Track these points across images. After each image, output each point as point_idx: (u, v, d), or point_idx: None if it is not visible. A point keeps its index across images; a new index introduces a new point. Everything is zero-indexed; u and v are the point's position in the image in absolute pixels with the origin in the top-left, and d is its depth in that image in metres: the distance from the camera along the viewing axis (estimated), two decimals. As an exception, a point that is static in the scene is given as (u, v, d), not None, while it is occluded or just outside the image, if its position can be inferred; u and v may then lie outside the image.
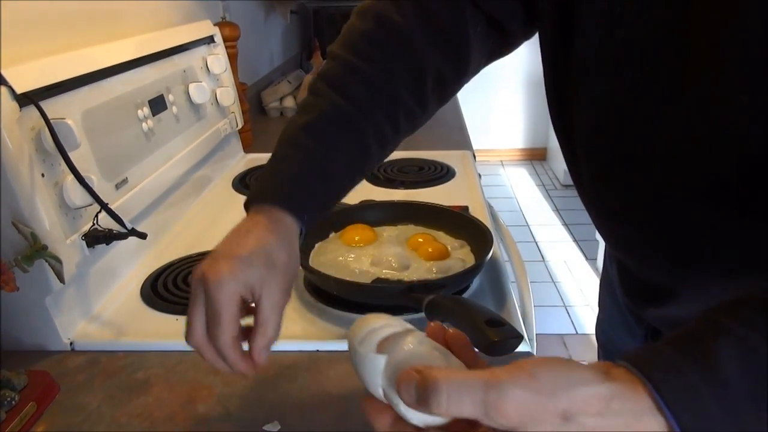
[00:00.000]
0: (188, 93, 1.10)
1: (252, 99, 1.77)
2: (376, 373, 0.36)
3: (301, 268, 0.60)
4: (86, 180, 0.70)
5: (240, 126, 1.35)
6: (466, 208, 1.02)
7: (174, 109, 1.03)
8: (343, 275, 0.78)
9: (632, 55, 0.47)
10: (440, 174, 1.22)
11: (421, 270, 0.80)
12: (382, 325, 0.39)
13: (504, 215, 3.52)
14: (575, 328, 2.42)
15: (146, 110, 0.93)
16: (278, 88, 1.78)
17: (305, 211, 0.55)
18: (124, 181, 0.84)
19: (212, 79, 1.23)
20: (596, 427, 0.31)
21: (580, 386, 0.31)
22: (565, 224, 3.35)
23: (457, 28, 0.59)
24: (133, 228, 0.70)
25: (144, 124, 0.92)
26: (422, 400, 0.32)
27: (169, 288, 0.80)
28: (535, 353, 0.66)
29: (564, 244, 3.12)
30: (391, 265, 0.81)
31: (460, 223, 0.89)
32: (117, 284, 0.81)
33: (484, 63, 0.65)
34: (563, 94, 0.55)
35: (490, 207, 1.13)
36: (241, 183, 1.21)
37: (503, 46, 0.64)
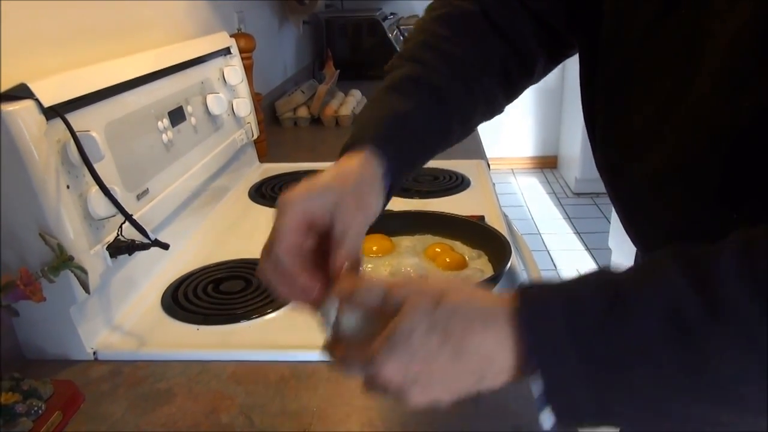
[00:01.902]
0: (206, 104, 1.11)
1: (266, 109, 1.79)
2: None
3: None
4: (110, 191, 0.71)
5: (256, 136, 1.36)
6: (482, 218, 1.02)
7: (192, 120, 1.04)
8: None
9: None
10: (455, 183, 1.22)
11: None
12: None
13: (515, 223, 3.52)
14: (588, 338, 2.40)
15: (166, 122, 0.95)
16: (292, 98, 1.79)
17: (388, 155, 0.55)
18: (146, 191, 0.85)
19: (229, 90, 1.24)
20: (460, 305, 0.39)
21: (457, 286, 0.41)
22: (577, 232, 3.34)
23: (511, 22, 0.62)
24: (156, 239, 0.71)
25: (164, 136, 0.93)
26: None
27: (190, 297, 0.81)
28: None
29: (576, 253, 3.11)
30: (409, 275, 0.81)
31: (477, 233, 0.89)
32: (138, 294, 0.82)
33: (550, 64, 0.67)
34: (615, 98, 0.54)
35: (505, 216, 1.13)
36: (258, 193, 1.22)
37: (560, 46, 0.65)
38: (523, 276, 0.86)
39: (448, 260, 0.84)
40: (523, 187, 4.06)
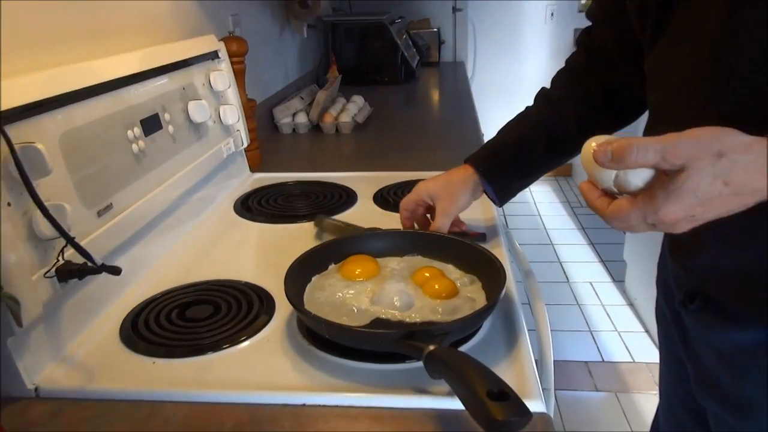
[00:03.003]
0: (187, 111, 1.04)
1: (263, 115, 1.72)
2: (610, 171, 0.52)
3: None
4: (58, 209, 0.64)
5: (245, 145, 1.29)
6: (483, 236, 0.94)
7: (170, 128, 0.97)
8: (340, 315, 0.71)
9: None
10: (454, 198, 1.14)
11: (425, 310, 0.72)
12: (611, 138, 0.53)
13: (526, 234, 3.44)
14: (601, 355, 2.30)
15: (137, 130, 0.88)
16: (290, 104, 1.73)
17: (481, 165, 0.91)
18: (108, 207, 0.79)
19: (215, 96, 1.17)
20: (742, 162, 0.46)
21: (729, 135, 0.48)
22: (591, 243, 3.23)
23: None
24: (103, 264, 0.64)
25: (134, 146, 0.86)
26: (618, 156, 0.49)
27: (151, 326, 0.73)
28: (552, 415, 0.58)
29: (590, 265, 3.00)
30: (393, 304, 0.73)
31: (472, 256, 0.81)
32: (96, 321, 0.75)
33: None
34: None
35: (508, 234, 1.05)
36: (243, 206, 1.15)
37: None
38: (517, 306, 0.78)
39: (437, 287, 0.76)
40: (535, 195, 3.96)
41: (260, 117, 1.69)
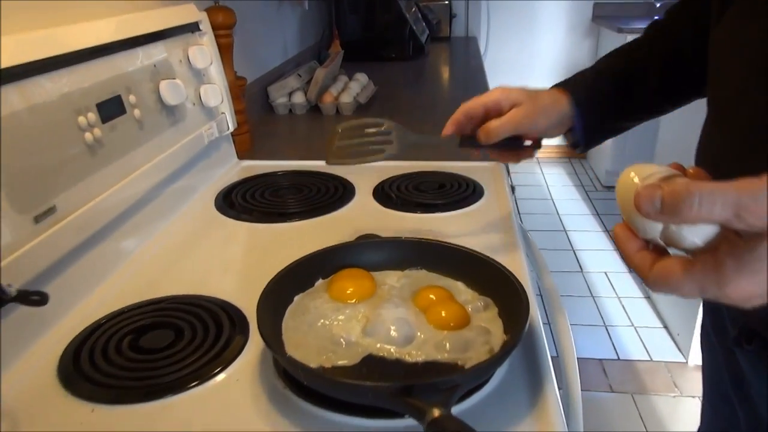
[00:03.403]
0: (159, 92, 0.90)
1: (257, 95, 1.58)
2: None
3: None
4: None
5: (232, 129, 1.15)
6: (538, 143, 0.81)
7: (136, 112, 0.84)
8: (324, 350, 0.58)
9: None
10: (465, 193, 1.00)
11: (429, 345, 0.59)
12: (663, 171, 0.41)
13: (539, 219, 3.29)
14: (617, 352, 2.17)
15: (92, 116, 0.74)
16: (286, 82, 1.58)
17: (577, 94, 0.75)
18: (50, 210, 0.65)
19: (195, 74, 1.03)
20: None
21: None
22: (606, 230, 3.09)
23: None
24: (21, 292, 0.51)
25: (87, 135, 0.73)
26: (671, 207, 0.35)
27: (97, 360, 0.60)
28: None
29: (604, 254, 2.86)
30: (390, 336, 0.60)
31: (486, 273, 0.67)
32: (31, 350, 0.62)
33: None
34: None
35: (525, 238, 0.91)
36: (226, 201, 1.01)
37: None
38: (540, 335, 0.64)
39: (443, 314, 0.62)
40: (548, 178, 3.80)
41: (253, 97, 1.54)
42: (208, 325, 0.65)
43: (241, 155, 1.24)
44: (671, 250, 0.41)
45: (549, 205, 3.42)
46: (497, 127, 0.72)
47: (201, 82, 1.04)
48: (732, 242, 0.36)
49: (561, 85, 0.77)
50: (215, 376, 0.58)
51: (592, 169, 3.87)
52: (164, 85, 0.90)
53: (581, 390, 0.72)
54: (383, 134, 0.75)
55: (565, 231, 3.11)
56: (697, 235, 0.38)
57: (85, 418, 0.53)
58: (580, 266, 2.77)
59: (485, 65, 2.36)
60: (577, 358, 0.73)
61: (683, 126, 2.36)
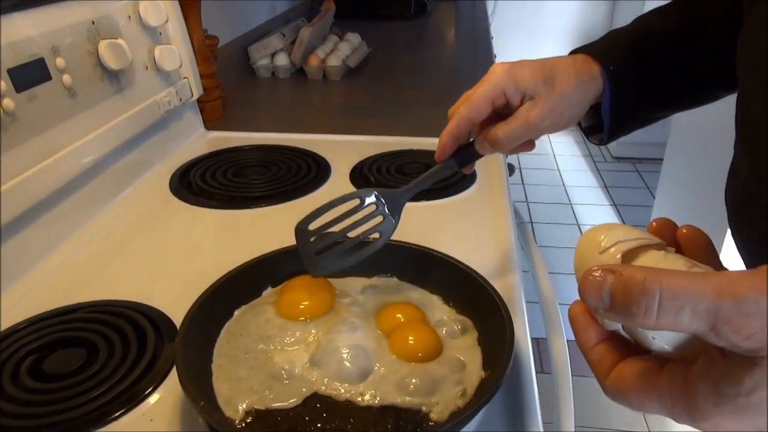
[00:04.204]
0: (99, 54, 0.77)
1: (236, 55, 1.44)
2: None
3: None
4: None
5: (196, 96, 1.02)
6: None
7: (65, 78, 0.71)
8: (259, 384, 0.47)
9: None
10: (454, 179, 0.87)
11: (388, 382, 0.48)
12: (627, 236, 0.32)
13: (544, 191, 3.15)
14: (618, 336, 2.07)
15: (2, 84, 0.62)
16: (269, 41, 1.44)
17: (611, 63, 0.55)
18: (-64, 201, 0.54)
19: (149, 33, 0.90)
20: None
21: None
22: (614, 204, 2.95)
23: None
24: None
25: (-7, 107, 0.61)
26: (621, 307, 0.26)
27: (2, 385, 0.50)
28: None
29: (611, 230, 2.73)
30: (342, 367, 0.48)
31: (469, 289, 0.55)
32: None
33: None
34: None
35: (523, 233, 0.79)
36: (182, 181, 0.89)
37: None
38: (529, 370, 0.53)
39: (411, 341, 0.51)
40: (555, 146, 3.65)
41: (232, 58, 1.41)
42: (129, 343, 0.54)
43: (211, 125, 1.11)
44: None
45: (555, 176, 3.28)
46: (510, 134, 0.53)
47: (156, 42, 0.91)
48: (710, 360, 0.25)
49: (589, 52, 0.56)
50: (125, 413, 0.47)
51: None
52: (104, 46, 0.77)
53: (579, 376, 0.61)
54: (362, 210, 0.54)
55: (571, 204, 2.98)
56: (664, 339, 0.28)
57: (-51, 473, 0.43)
58: (585, 242, 2.65)
59: (492, 28, 2.19)
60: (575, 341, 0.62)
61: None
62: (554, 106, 0.53)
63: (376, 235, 0.55)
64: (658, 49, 0.57)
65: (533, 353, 0.55)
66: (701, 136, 2.19)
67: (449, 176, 0.75)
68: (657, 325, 0.25)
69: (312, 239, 0.54)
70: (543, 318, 0.69)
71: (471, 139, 0.57)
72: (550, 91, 0.53)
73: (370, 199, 0.54)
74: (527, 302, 0.61)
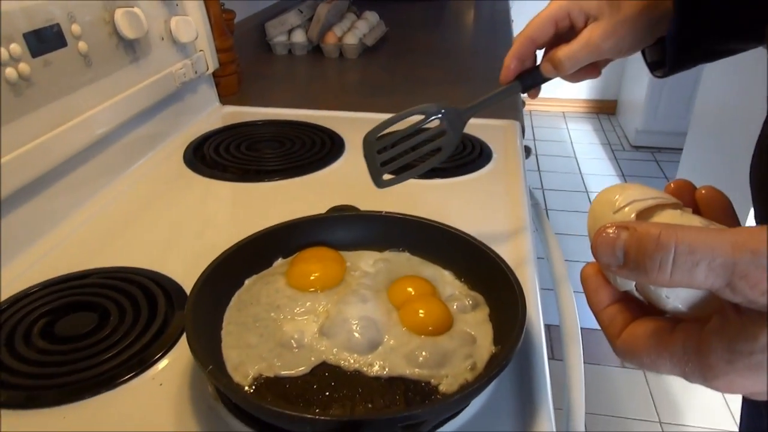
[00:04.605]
0: (115, 22, 0.77)
1: (253, 31, 1.43)
2: None
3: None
4: None
5: (211, 69, 1.01)
6: None
7: (81, 45, 0.71)
8: (268, 352, 0.47)
9: None
10: (470, 156, 0.86)
11: (397, 354, 0.47)
12: (643, 196, 0.31)
13: (560, 178, 3.12)
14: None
15: (16, 48, 0.61)
16: (286, 18, 1.42)
17: None
18: (-48, 162, 0.54)
19: (166, 4, 0.89)
20: None
21: None
22: (631, 193, 2.91)
23: None
24: None
25: (9, 70, 0.60)
26: (635, 263, 0.25)
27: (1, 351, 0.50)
28: None
29: (627, 219, 2.70)
30: (351, 338, 0.48)
31: (482, 264, 0.54)
32: None
33: None
34: None
35: (539, 216, 0.78)
36: (196, 153, 0.89)
37: None
38: (540, 347, 0.52)
39: (421, 314, 0.50)
40: (573, 134, 3.60)
41: (249, 33, 1.40)
42: (140, 308, 0.54)
43: (226, 100, 1.11)
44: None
45: (572, 164, 3.24)
46: (571, 56, 0.53)
47: (173, 13, 0.91)
48: (725, 318, 0.25)
49: None
50: (134, 377, 0.48)
51: (621, 127, 3.65)
52: (120, 14, 0.77)
53: (592, 364, 0.61)
54: (428, 124, 0.57)
55: (587, 192, 2.94)
56: (678, 297, 0.27)
57: (-39, 428, 0.43)
58: (600, 231, 2.62)
59: (512, 12, 2.15)
60: (589, 329, 0.61)
61: (725, 85, 2.15)
62: (618, 27, 0.52)
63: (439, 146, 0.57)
64: None
65: (546, 339, 0.54)
66: (723, 127, 2.15)
67: (465, 152, 0.74)
68: (672, 282, 0.24)
69: (380, 153, 0.57)
70: (556, 298, 0.68)
71: (537, 64, 0.57)
72: (615, 12, 0.52)
73: (435, 114, 0.56)
74: (541, 289, 0.60)
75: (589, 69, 0.56)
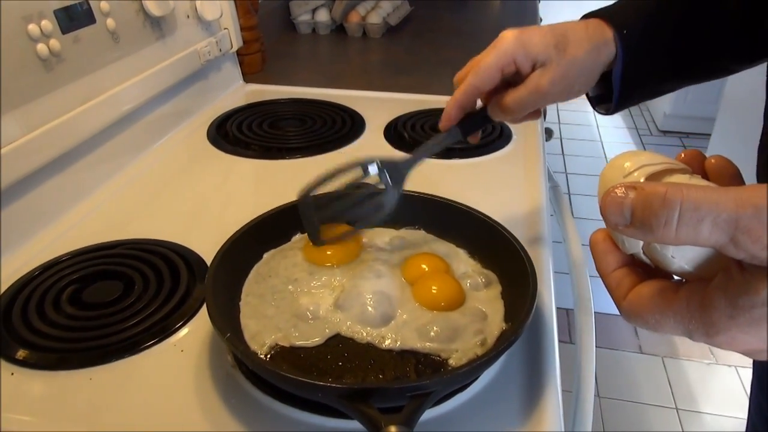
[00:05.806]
0: (142, 1, 0.79)
1: (278, 10, 1.44)
2: None
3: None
4: None
5: (235, 48, 1.03)
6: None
7: (109, 22, 0.72)
8: (284, 323, 0.49)
9: None
10: (489, 137, 0.87)
11: (409, 328, 0.49)
12: (653, 161, 0.31)
13: (584, 162, 3.08)
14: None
15: (47, 24, 0.63)
16: (310, -3, 1.43)
17: (625, 27, 0.53)
18: (-14, 135, 0.56)
19: (191, -19, 0.90)
20: None
21: None
22: (656, 179, 2.87)
23: None
24: None
25: (40, 46, 0.62)
26: (642, 220, 0.26)
27: (29, 313, 0.52)
28: None
29: (651, 204, 2.67)
30: (365, 311, 0.50)
31: (495, 243, 0.55)
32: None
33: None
34: None
35: (557, 198, 0.78)
36: (219, 131, 0.90)
37: None
38: (551, 326, 0.53)
39: (434, 290, 0.52)
40: (600, 117, 3.54)
41: (273, 12, 1.40)
42: (163, 278, 0.56)
43: (250, 78, 1.12)
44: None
45: (597, 148, 3.20)
46: (519, 101, 0.52)
47: (198, -9, 0.92)
48: (728, 275, 0.25)
49: (602, 15, 0.54)
50: (157, 343, 0.50)
51: (649, 111, 3.58)
52: (147, -8, 0.78)
53: (610, 348, 0.61)
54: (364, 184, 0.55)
55: (611, 177, 2.90)
56: (684, 257, 0.28)
57: (6, 380, 0.46)
58: (623, 216, 2.60)
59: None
60: (606, 314, 0.62)
61: (756, 69, 2.10)
62: (566, 72, 0.51)
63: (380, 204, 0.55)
64: (674, 13, 0.54)
65: (562, 324, 0.55)
66: (752, 112, 2.10)
67: (484, 132, 0.74)
68: (677, 239, 0.25)
69: (317, 213, 0.54)
70: (571, 281, 0.68)
71: (477, 108, 0.56)
72: (561, 56, 0.51)
73: (373, 168, 0.53)
74: (557, 272, 0.60)
75: (533, 113, 0.56)
